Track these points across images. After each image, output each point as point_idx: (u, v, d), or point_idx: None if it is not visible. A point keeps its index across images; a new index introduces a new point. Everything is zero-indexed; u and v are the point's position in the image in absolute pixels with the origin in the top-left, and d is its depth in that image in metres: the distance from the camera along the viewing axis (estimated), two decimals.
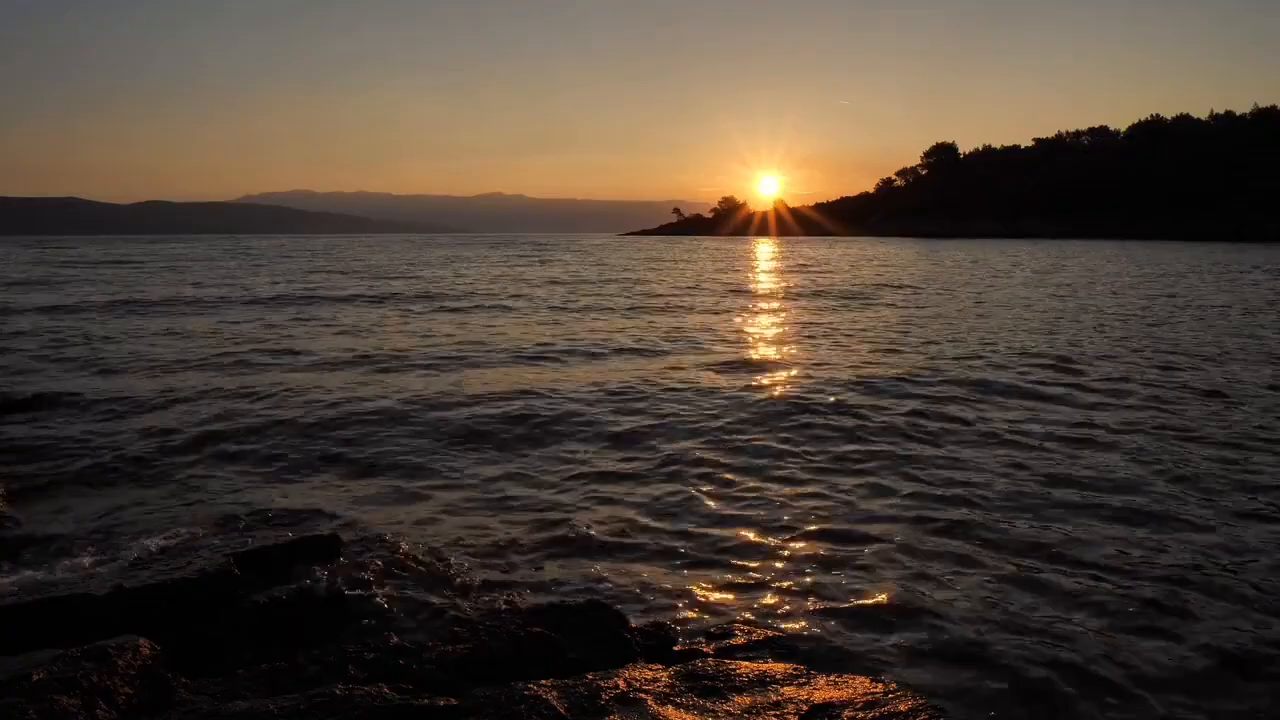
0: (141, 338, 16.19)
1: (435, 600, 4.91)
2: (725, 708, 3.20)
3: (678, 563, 5.39)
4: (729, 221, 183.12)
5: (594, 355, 13.93)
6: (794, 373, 12.24)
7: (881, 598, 4.86)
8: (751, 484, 6.94)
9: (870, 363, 12.99)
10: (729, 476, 7.14)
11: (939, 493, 6.63)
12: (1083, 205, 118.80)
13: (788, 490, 6.77)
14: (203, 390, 10.79)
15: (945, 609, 4.72)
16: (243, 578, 4.48)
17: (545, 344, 15.14)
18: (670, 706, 3.19)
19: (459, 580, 5.15)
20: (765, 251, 75.05)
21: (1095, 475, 7.04)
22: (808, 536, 5.78)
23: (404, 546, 5.60)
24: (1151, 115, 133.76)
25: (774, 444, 8.16)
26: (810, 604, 4.81)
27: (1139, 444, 7.99)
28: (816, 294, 26.94)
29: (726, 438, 8.41)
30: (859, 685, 3.36)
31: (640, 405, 9.88)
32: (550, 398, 10.28)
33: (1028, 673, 4.08)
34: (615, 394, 10.53)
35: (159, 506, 6.47)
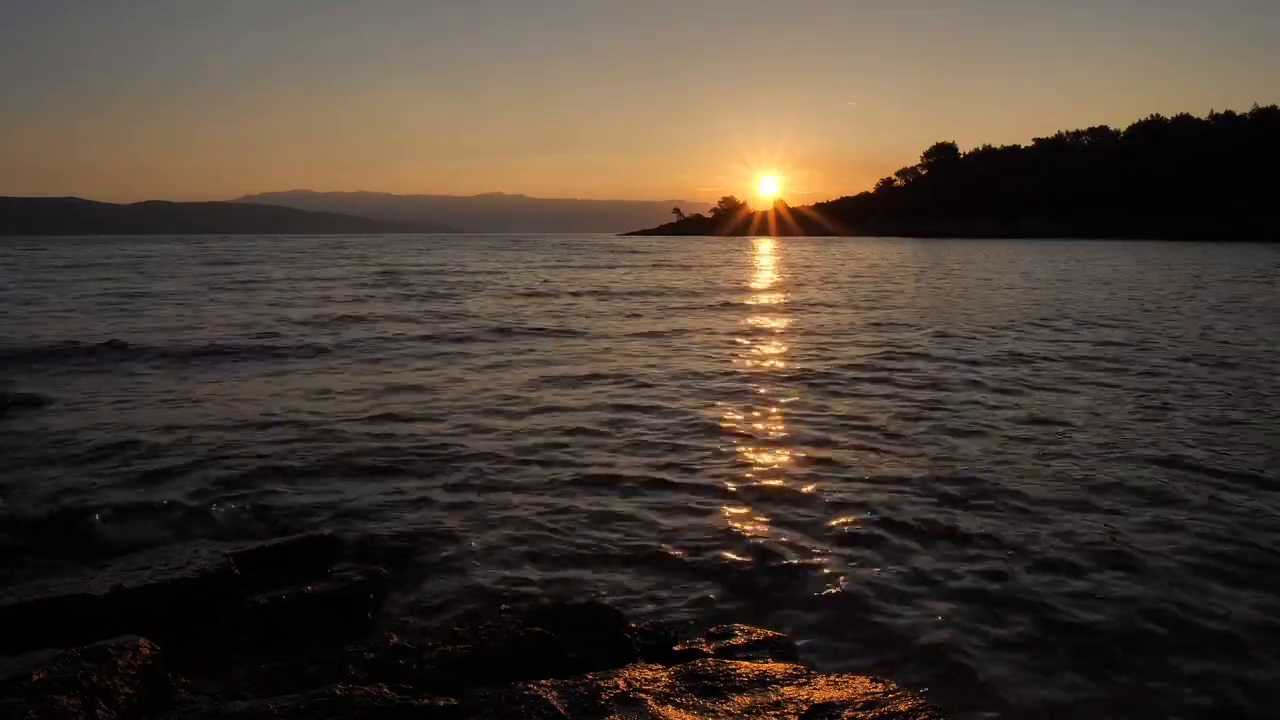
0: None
1: (435, 600, 4.92)
2: (725, 708, 3.20)
3: (680, 563, 5.39)
4: (729, 221, 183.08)
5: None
6: (818, 360, 12.24)
7: (883, 598, 4.86)
8: (753, 485, 6.94)
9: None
10: (730, 477, 7.14)
11: (945, 493, 6.63)
12: (1083, 205, 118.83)
13: (790, 492, 6.76)
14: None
15: (948, 610, 4.72)
16: (243, 578, 4.48)
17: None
18: (670, 706, 3.19)
19: (459, 580, 5.15)
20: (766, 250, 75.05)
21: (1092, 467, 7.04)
22: (809, 537, 5.78)
23: (403, 547, 5.60)
24: (1151, 115, 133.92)
25: (776, 446, 8.16)
26: (811, 604, 4.81)
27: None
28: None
29: (728, 438, 8.41)
30: (859, 685, 3.36)
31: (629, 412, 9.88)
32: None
33: (1031, 672, 4.09)
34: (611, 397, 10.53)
35: (161, 504, 6.46)
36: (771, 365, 13.21)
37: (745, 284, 33.11)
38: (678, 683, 3.39)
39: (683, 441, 8.26)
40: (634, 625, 4.29)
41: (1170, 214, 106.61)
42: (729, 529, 5.94)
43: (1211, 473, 7.06)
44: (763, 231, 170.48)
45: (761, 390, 10.98)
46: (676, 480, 7.03)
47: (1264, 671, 4.10)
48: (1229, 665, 4.15)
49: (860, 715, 3.12)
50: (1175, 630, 4.49)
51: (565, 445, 8.16)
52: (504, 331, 17.34)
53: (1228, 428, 8.57)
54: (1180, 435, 8.29)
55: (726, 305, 23.78)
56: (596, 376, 11.88)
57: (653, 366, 12.80)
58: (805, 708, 3.17)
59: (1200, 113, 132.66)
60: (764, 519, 6.14)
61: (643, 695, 3.25)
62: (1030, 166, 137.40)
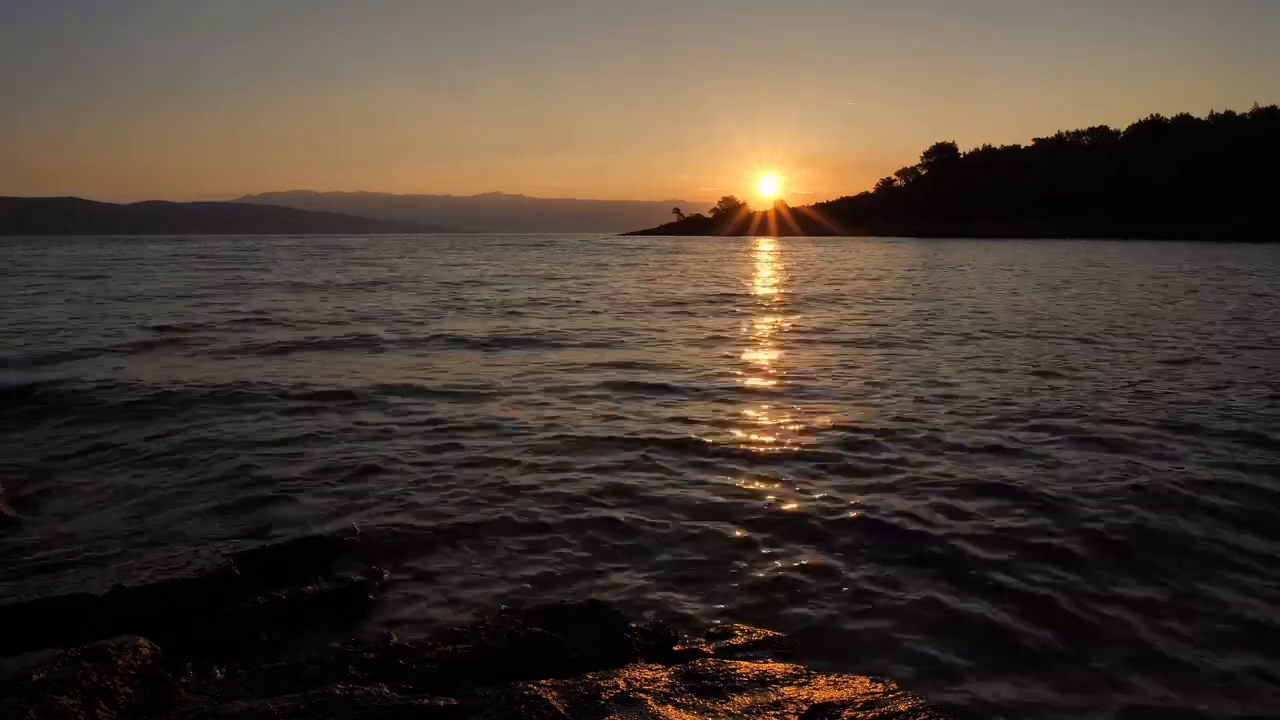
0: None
1: (436, 600, 4.92)
2: (725, 708, 3.20)
3: (678, 563, 5.39)
4: (729, 221, 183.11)
5: None
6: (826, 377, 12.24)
7: (883, 598, 4.86)
8: (754, 484, 6.94)
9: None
10: (731, 477, 7.14)
11: (946, 493, 6.63)
12: (1083, 205, 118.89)
13: (790, 492, 6.77)
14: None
15: (947, 609, 4.72)
16: (243, 578, 4.48)
17: None
18: (670, 706, 3.19)
19: (459, 580, 5.15)
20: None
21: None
22: (809, 537, 5.78)
23: (403, 547, 5.60)
24: (1151, 115, 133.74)
25: (779, 444, 8.16)
26: (810, 604, 4.81)
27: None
28: None
29: (731, 439, 8.41)
30: (859, 685, 3.36)
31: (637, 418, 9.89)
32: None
33: (1032, 672, 4.09)
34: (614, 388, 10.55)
35: (162, 505, 6.47)
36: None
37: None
38: (678, 683, 3.39)
39: (692, 442, 8.26)
40: (634, 625, 4.30)
41: (1170, 214, 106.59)
42: (731, 530, 5.94)
43: None
44: (763, 231, 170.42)
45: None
46: (681, 481, 7.03)
47: None
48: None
49: (860, 715, 3.12)
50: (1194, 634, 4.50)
51: (571, 447, 8.16)
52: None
53: None
54: None
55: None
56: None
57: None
58: (805, 708, 3.17)
59: (1200, 113, 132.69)
60: (768, 520, 6.14)
61: (643, 695, 3.25)
62: (1030, 166, 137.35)
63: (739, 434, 8.56)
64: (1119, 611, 4.69)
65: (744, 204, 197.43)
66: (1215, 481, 6.77)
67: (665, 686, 3.35)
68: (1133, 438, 8.20)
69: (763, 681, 3.39)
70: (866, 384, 11.21)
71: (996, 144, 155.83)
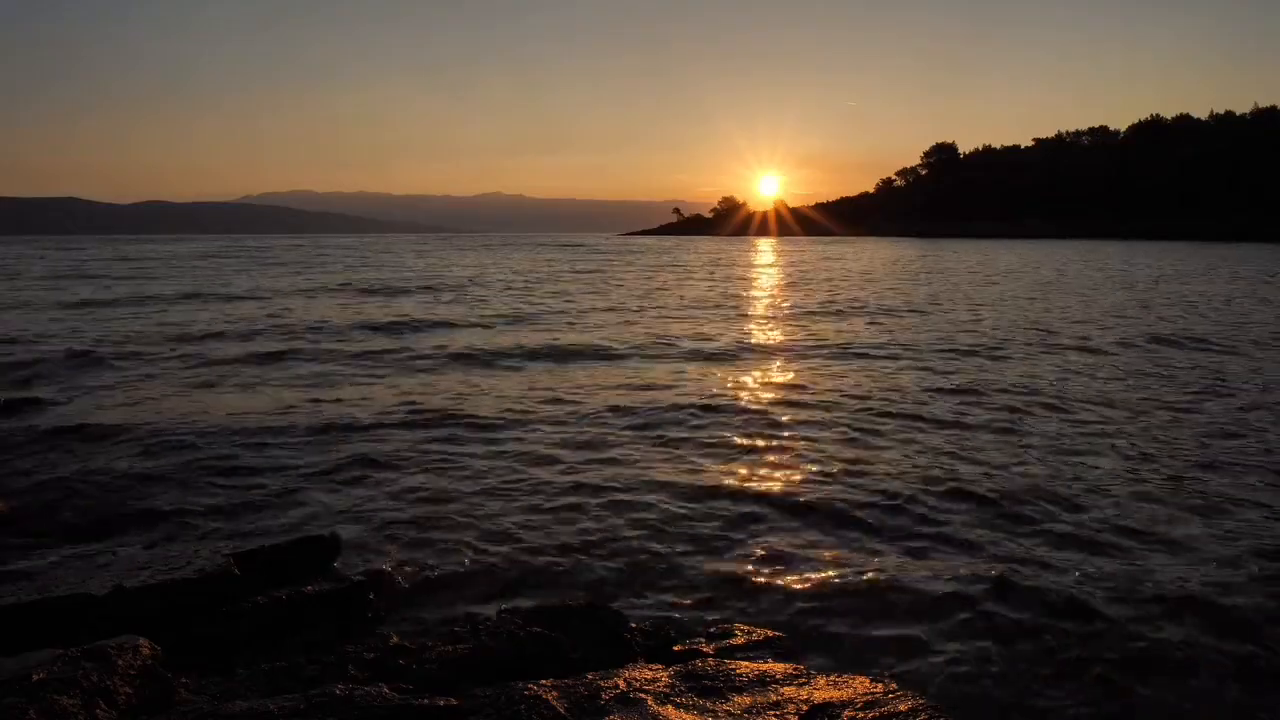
0: None
1: (436, 600, 4.92)
2: (725, 708, 3.20)
3: (679, 563, 5.39)
4: (729, 221, 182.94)
5: None
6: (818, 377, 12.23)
7: (885, 598, 4.86)
8: (756, 488, 6.94)
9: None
10: (733, 481, 7.14)
11: (948, 495, 6.63)
12: (1083, 205, 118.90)
13: (792, 495, 6.77)
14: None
15: (949, 612, 4.72)
16: (243, 578, 4.48)
17: None
18: (670, 706, 3.19)
19: (459, 580, 5.15)
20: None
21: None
22: (811, 539, 5.78)
23: (403, 547, 5.60)
24: (1151, 115, 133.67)
25: (778, 444, 8.16)
26: (811, 604, 4.81)
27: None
28: None
29: (734, 445, 8.41)
30: (859, 685, 3.36)
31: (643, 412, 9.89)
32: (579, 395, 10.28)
33: (1033, 674, 4.09)
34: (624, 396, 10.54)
35: (163, 505, 6.47)
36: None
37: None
38: (678, 683, 3.39)
39: (693, 440, 8.26)
40: (634, 625, 4.30)
41: (1170, 214, 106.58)
42: (731, 529, 5.94)
43: None
44: (763, 232, 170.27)
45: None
46: (681, 481, 7.03)
47: None
48: None
49: (860, 715, 3.12)
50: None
51: (574, 450, 8.16)
52: None
53: None
54: None
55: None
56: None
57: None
58: (805, 708, 3.17)
59: (1200, 113, 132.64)
60: (768, 519, 6.14)
61: (643, 695, 3.25)
62: (1030, 166, 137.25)
63: (742, 440, 8.56)
64: (1129, 610, 4.69)
65: (744, 204, 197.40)
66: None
67: (665, 686, 3.35)
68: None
69: (763, 681, 3.39)
70: (880, 388, 11.22)
71: (996, 144, 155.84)
